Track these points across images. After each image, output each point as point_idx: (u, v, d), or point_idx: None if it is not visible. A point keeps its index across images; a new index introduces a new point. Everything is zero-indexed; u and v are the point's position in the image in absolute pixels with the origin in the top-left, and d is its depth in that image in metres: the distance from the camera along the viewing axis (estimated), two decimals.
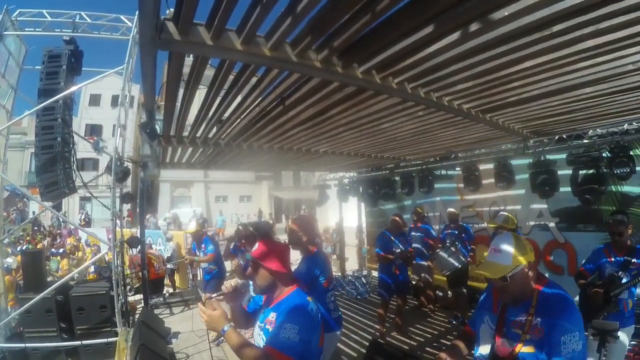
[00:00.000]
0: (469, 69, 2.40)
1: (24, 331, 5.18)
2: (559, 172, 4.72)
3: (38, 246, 12.75)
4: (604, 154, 4.26)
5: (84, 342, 5.22)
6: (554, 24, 1.89)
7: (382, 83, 2.52)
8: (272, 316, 1.85)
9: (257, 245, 1.99)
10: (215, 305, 1.81)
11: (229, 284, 1.99)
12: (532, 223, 5.99)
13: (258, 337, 1.93)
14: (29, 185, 20.63)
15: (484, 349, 1.84)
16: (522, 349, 1.63)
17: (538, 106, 3.42)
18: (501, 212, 5.31)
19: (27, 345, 5.05)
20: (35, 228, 17.36)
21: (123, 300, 5.91)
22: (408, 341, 5.42)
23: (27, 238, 14.01)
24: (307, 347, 1.74)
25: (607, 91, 3.03)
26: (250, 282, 4.15)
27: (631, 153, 4.08)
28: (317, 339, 1.83)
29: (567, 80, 2.70)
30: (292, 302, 1.84)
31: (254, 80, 2.59)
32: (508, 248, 1.70)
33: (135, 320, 5.63)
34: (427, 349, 5.11)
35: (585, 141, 4.55)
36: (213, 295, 2.10)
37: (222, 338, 1.81)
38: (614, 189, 4.79)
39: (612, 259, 3.20)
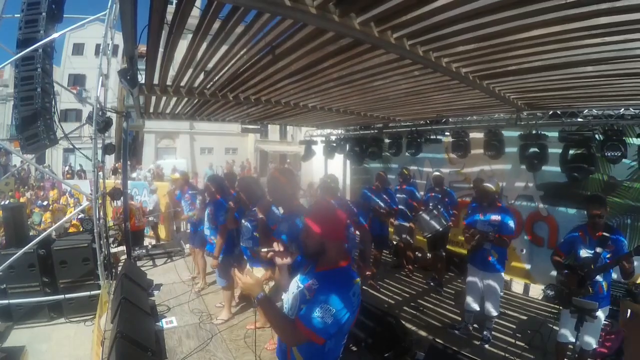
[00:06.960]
0: (473, 30, 2.24)
1: (7, 287, 5.12)
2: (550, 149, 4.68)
3: (21, 200, 12.54)
4: (596, 135, 4.23)
5: (67, 295, 5.24)
6: None
7: (379, 37, 2.34)
8: (313, 283, 1.77)
9: (315, 207, 1.98)
10: (251, 275, 1.83)
11: (281, 243, 1.95)
12: (517, 194, 6.09)
13: (292, 295, 1.87)
14: (11, 138, 19.63)
15: None
16: None
17: (537, 78, 3.29)
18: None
19: (11, 301, 5.04)
20: (18, 181, 16.96)
21: (105, 253, 5.89)
22: (386, 299, 5.62)
23: (10, 193, 13.67)
24: (338, 329, 1.68)
25: (609, 72, 2.91)
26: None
27: (624, 138, 4.05)
28: (350, 321, 1.73)
29: (571, 55, 2.56)
30: (337, 281, 1.74)
31: (242, 26, 2.39)
32: None
33: (118, 272, 5.63)
34: (405, 308, 5.32)
35: (579, 119, 4.48)
36: (263, 250, 2.08)
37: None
38: (601, 171, 4.84)
39: (587, 240, 3.32)
